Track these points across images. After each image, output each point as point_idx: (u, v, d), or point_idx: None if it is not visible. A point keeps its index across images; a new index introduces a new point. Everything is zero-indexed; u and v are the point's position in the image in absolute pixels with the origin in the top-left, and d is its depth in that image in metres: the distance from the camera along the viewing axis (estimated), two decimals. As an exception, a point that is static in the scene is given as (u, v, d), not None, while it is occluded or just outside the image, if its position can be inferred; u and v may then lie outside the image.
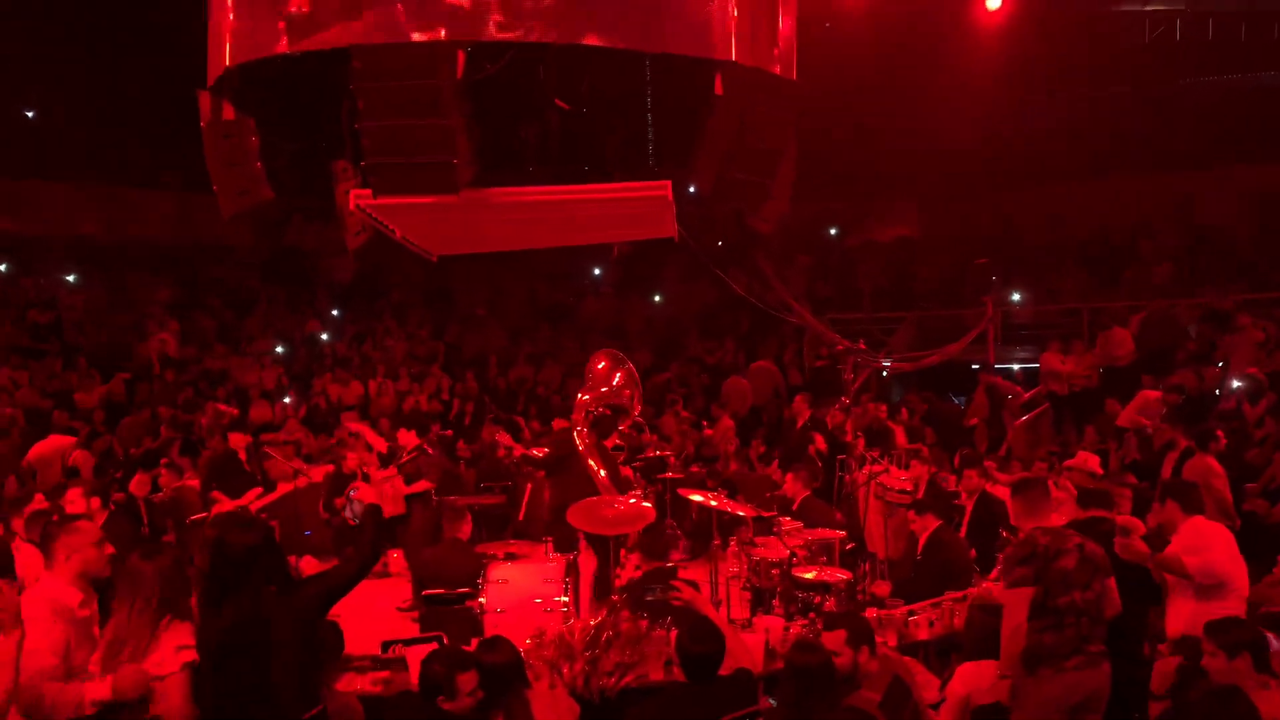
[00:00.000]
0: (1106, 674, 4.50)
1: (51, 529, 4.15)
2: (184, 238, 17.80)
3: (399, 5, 6.11)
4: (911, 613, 5.94)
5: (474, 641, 4.93)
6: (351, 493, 8.09)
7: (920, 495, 7.28)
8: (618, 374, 7.15)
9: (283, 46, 6.40)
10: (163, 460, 9.45)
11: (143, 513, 8.05)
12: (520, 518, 8.77)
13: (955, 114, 15.17)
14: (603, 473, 6.54)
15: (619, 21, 6.23)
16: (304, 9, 6.33)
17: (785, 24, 7.15)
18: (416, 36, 6.07)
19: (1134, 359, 11.64)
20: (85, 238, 17.40)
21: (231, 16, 6.65)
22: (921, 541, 6.61)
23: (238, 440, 9.53)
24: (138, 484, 8.33)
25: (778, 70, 6.92)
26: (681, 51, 6.53)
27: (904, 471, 8.13)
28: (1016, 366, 14.18)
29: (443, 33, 6.09)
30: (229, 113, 7.18)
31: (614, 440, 9.36)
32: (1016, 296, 15.91)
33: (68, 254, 16.86)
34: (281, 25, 6.42)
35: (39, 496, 7.35)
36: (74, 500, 6.45)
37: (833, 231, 20.13)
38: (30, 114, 17.24)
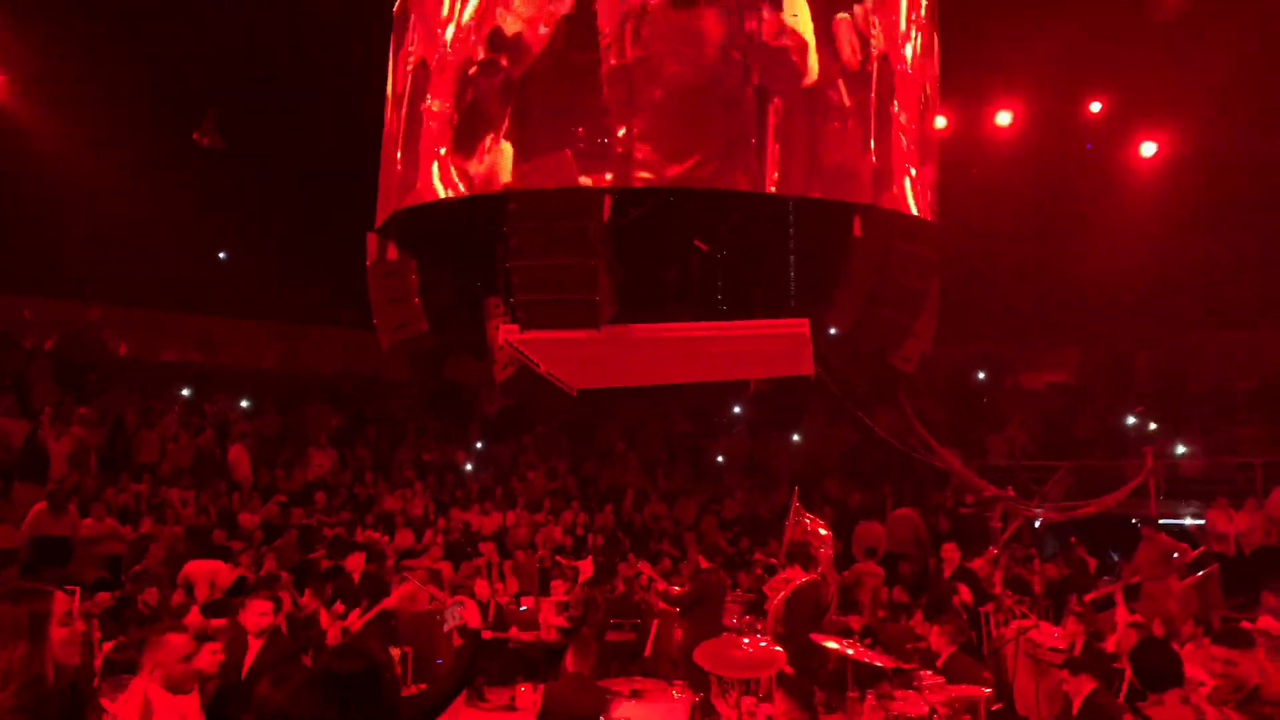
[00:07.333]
0: None
1: (148, 640, 4.47)
2: (352, 370, 19.04)
3: (568, 152, 6.42)
4: (1065, 784, 5.44)
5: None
6: (455, 606, 8.12)
7: (1076, 654, 6.77)
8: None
9: (452, 191, 6.87)
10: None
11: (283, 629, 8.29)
12: (646, 654, 8.62)
13: (1115, 255, 14.61)
14: None
15: (765, 168, 6.42)
16: (471, 161, 6.79)
17: (926, 170, 7.25)
18: (583, 181, 6.39)
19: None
20: (262, 370, 18.87)
21: (399, 167, 7.26)
22: (1076, 705, 6.11)
23: (353, 563, 9.73)
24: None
25: (918, 213, 6.99)
26: (821, 196, 6.69)
27: (1056, 628, 7.60)
28: (1187, 522, 13.16)
29: (608, 177, 6.37)
30: (392, 253, 7.76)
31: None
32: (1182, 449, 14.94)
33: (245, 384, 18.18)
34: (450, 173, 6.95)
35: (195, 609, 7.76)
36: (264, 611, 6.20)
37: (980, 375, 19.57)
38: (223, 256, 18.98)
